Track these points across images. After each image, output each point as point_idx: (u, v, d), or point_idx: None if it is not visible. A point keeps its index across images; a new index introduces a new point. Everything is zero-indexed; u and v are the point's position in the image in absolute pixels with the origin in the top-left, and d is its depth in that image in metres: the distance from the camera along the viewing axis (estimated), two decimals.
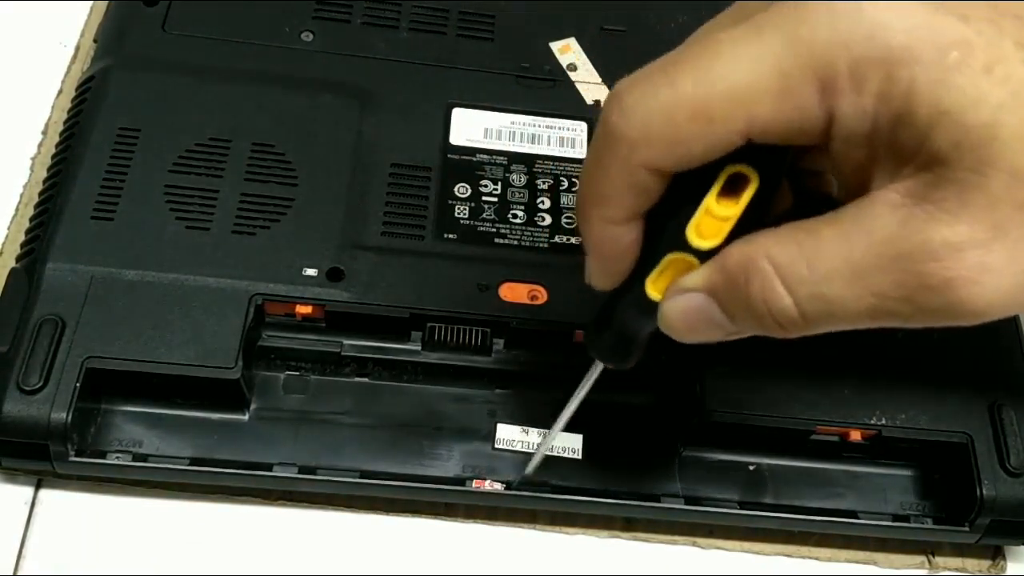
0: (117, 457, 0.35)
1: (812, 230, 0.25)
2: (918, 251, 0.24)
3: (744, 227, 0.26)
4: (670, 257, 0.27)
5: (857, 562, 0.39)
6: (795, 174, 0.29)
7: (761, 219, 0.26)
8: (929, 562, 0.39)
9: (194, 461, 0.35)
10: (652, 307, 0.28)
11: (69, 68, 0.46)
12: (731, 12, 0.26)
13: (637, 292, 0.28)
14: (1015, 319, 0.40)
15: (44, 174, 0.40)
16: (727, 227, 0.26)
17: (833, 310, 0.25)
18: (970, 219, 0.23)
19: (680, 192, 0.26)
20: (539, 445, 0.36)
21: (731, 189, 0.26)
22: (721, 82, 0.24)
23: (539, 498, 0.36)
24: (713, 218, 0.26)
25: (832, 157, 0.25)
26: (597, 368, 0.31)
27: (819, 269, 0.25)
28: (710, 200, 0.26)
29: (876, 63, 0.23)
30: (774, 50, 0.23)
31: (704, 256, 0.27)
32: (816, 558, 0.38)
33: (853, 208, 0.25)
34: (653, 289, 0.28)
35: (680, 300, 0.27)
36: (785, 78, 0.23)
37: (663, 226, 0.27)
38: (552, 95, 0.44)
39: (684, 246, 0.27)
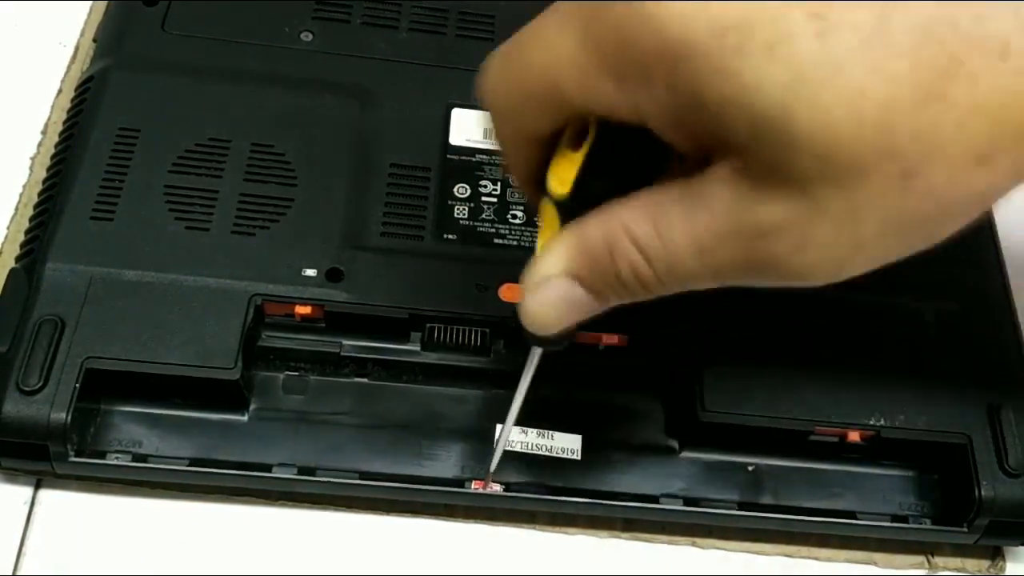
0: (117, 457, 0.35)
1: (663, 203, 0.25)
2: (748, 229, 0.24)
3: (599, 181, 0.26)
4: (544, 203, 0.28)
5: (856, 562, 0.39)
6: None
7: (618, 170, 0.26)
8: (928, 562, 0.39)
9: (194, 461, 0.35)
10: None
11: (68, 68, 0.46)
12: None
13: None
14: (1015, 321, 0.40)
15: (43, 174, 0.40)
16: (577, 165, 0.26)
17: (684, 279, 0.25)
18: (786, 200, 0.23)
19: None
20: (497, 440, 0.36)
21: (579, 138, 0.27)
22: (535, 67, 0.25)
23: (538, 499, 0.36)
24: (566, 162, 0.27)
25: (659, 136, 0.25)
26: (535, 353, 0.31)
27: (669, 245, 0.25)
28: (561, 147, 0.27)
29: (658, 57, 0.22)
30: (572, 38, 0.24)
31: (563, 209, 0.27)
32: (815, 558, 0.38)
33: (696, 183, 0.24)
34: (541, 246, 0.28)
35: (544, 292, 0.27)
36: (581, 70, 0.24)
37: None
38: None
39: (548, 192, 0.27)
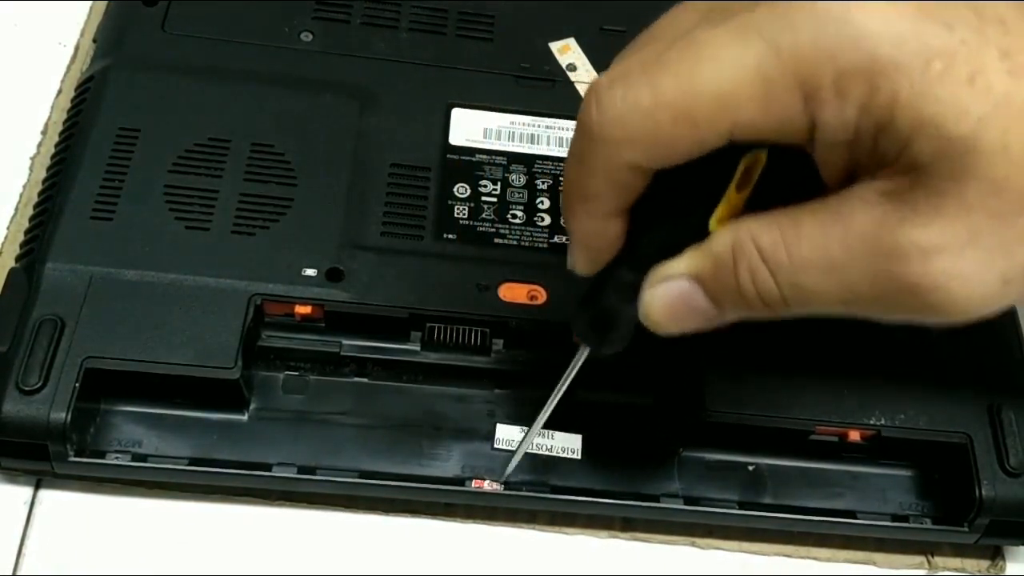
0: (116, 457, 0.35)
1: (794, 217, 0.25)
2: (890, 251, 0.24)
3: (755, 206, 0.26)
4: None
5: (856, 562, 0.39)
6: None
7: (758, 200, 0.26)
8: (928, 562, 0.39)
9: (193, 461, 0.35)
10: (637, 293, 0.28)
11: (68, 68, 0.46)
12: (713, 7, 0.26)
13: (622, 277, 0.28)
14: (1015, 321, 0.40)
15: (43, 174, 0.40)
16: (738, 210, 0.26)
17: (809, 298, 0.25)
18: (942, 225, 0.23)
19: (682, 186, 0.26)
20: (527, 433, 0.36)
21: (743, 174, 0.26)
22: (704, 86, 0.24)
23: (539, 498, 0.36)
24: (730, 204, 0.26)
25: (816, 156, 0.25)
26: (582, 353, 0.31)
27: (797, 257, 0.25)
28: (730, 192, 0.26)
29: (860, 73, 0.23)
30: (757, 55, 0.23)
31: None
32: (815, 558, 0.38)
33: (834, 201, 0.25)
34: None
35: (663, 288, 0.27)
36: (768, 84, 0.23)
37: (676, 221, 0.27)
38: (552, 95, 0.44)
39: (704, 236, 0.27)
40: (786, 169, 0.26)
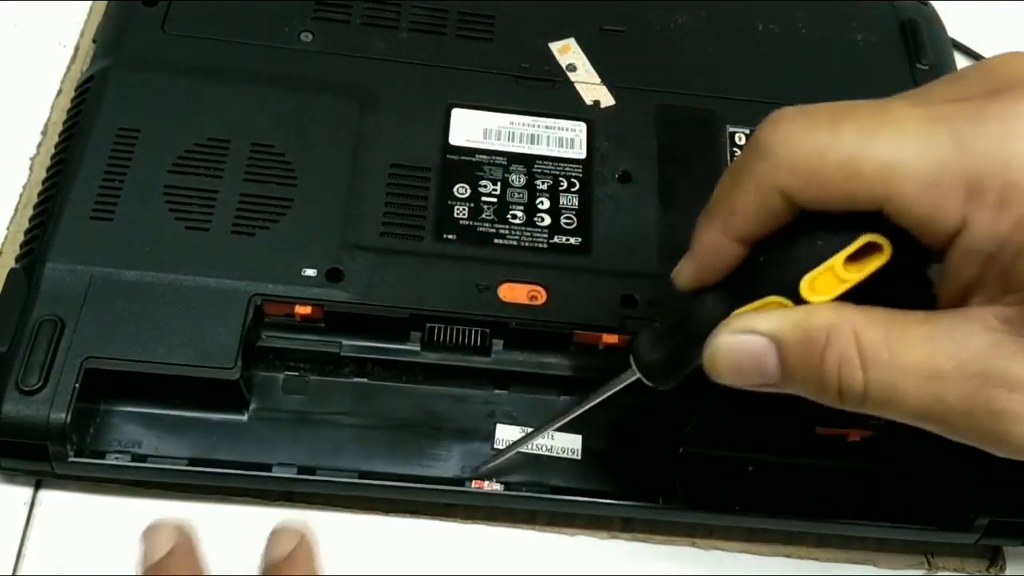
0: (116, 458, 0.35)
1: (902, 322, 0.25)
2: (997, 376, 0.24)
3: (851, 297, 0.26)
4: (769, 299, 0.27)
5: (856, 563, 0.39)
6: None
7: (871, 297, 0.26)
8: (928, 563, 0.39)
9: (193, 462, 0.35)
10: None
11: (68, 68, 0.46)
12: (940, 86, 0.26)
13: (712, 309, 0.28)
14: None
15: (43, 174, 0.40)
16: (842, 290, 0.26)
17: (895, 400, 0.26)
18: None
19: (803, 238, 0.26)
20: (514, 441, 0.36)
21: (858, 255, 0.26)
22: (880, 149, 0.24)
23: (538, 499, 0.36)
24: (834, 277, 0.26)
25: (945, 262, 0.25)
26: (630, 377, 0.31)
27: (898, 359, 0.25)
28: (838, 259, 0.26)
29: None
30: (940, 142, 0.24)
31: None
32: (815, 559, 0.38)
33: (949, 316, 0.25)
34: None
35: (740, 339, 0.27)
36: (939, 172, 0.24)
37: (775, 264, 0.27)
38: (551, 95, 0.44)
39: (791, 293, 0.26)
40: (900, 275, 0.26)
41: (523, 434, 0.37)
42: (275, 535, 0.30)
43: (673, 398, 0.38)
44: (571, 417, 0.34)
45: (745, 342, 0.27)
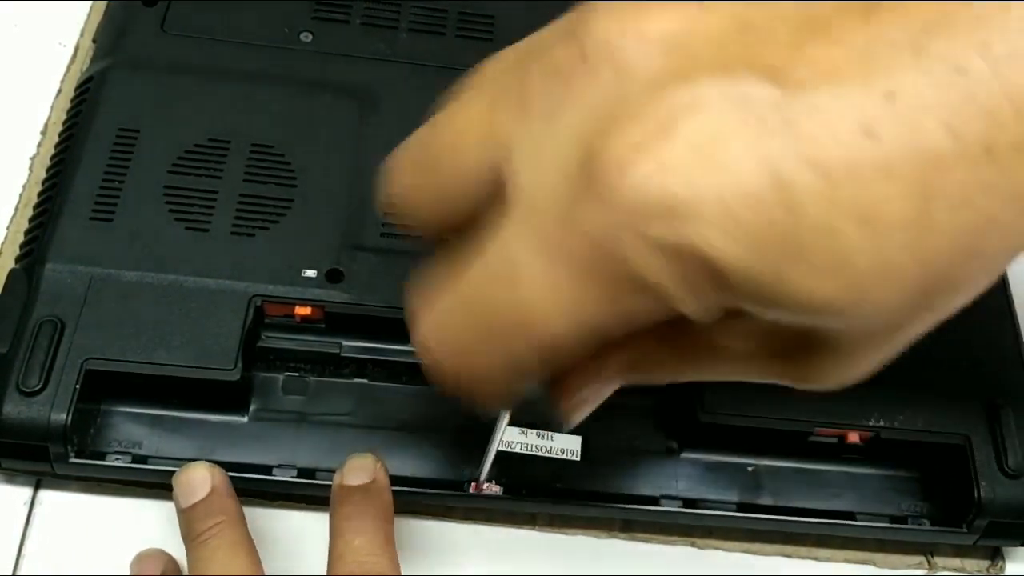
0: (116, 458, 0.35)
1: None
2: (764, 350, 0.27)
3: None
4: None
5: (855, 563, 0.39)
6: None
7: None
8: (928, 563, 0.39)
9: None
10: None
11: (68, 68, 0.46)
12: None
13: None
14: (1014, 321, 0.40)
15: (43, 174, 0.40)
16: None
17: None
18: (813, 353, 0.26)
19: None
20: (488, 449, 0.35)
21: None
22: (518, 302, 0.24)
23: (538, 500, 0.36)
24: None
25: None
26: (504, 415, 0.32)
27: None
28: None
29: (706, 278, 0.22)
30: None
31: None
32: (814, 559, 0.39)
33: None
34: None
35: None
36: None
37: None
38: None
39: None
40: None
41: (522, 434, 0.37)
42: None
43: (673, 399, 0.38)
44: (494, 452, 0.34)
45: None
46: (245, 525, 0.33)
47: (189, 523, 0.33)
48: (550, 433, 0.37)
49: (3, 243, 0.41)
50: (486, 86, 0.25)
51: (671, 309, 0.21)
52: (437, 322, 0.24)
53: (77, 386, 0.34)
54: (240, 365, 0.35)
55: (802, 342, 0.25)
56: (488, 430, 0.34)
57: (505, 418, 0.33)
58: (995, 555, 0.39)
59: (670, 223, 0.20)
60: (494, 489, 0.36)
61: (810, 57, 0.20)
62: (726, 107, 0.20)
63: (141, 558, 0.34)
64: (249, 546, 0.33)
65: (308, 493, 0.36)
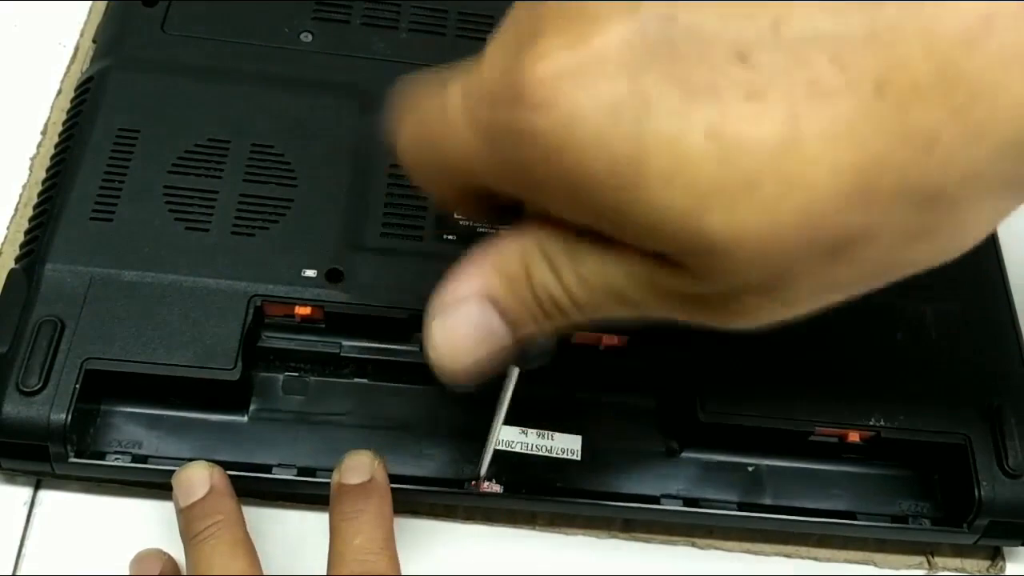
0: (116, 458, 0.35)
1: (578, 243, 0.24)
2: (667, 293, 0.23)
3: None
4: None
5: (855, 562, 0.39)
6: None
7: None
8: (928, 562, 0.39)
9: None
10: None
11: (68, 68, 0.46)
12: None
13: None
14: (1014, 321, 0.40)
15: (43, 174, 0.40)
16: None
17: (602, 309, 0.24)
18: (709, 286, 0.23)
19: None
20: (485, 448, 0.35)
21: None
22: (450, 159, 0.25)
23: (538, 499, 0.36)
24: None
25: None
26: (513, 372, 0.31)
27: (584, 281, 0.24)
28: None
29: (556, 183, 0.22)
30: (480, 149, 0.24)
31: None
32: (815, 558, 0.39)
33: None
34: None
35: (452, 316, 0.25)
36: (493, 178, 0.24)
37: None
38: None
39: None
40: None
41: (522, 434, 0.37)
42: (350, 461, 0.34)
43: (673, 398, 0.38)
44: (498, 428, 0.34)
45: (460, 313, 0.25)
46: (244, 524, 0.33)
47: (187, 522, 0.33)
48: (550, 433, 0.37)
49: (3, 243, 0.41)
50: None
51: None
52: (403, 132, 0.26)
53: (77, 386, 0.34)
54: (240, 365, 0.35)
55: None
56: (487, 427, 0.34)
57: (502, 413, 0.33)
58: (995, 555, 0.39)
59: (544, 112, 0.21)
60: (494, 488, 0.36)
61: None
62: (628, 31, 0.20)
63: (140, 558, 0.34)
64: (248, 545, 0.33)
65: (308, 492, 0.36)
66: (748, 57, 0.20)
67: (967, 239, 0.23)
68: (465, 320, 0.25)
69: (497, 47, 0.22)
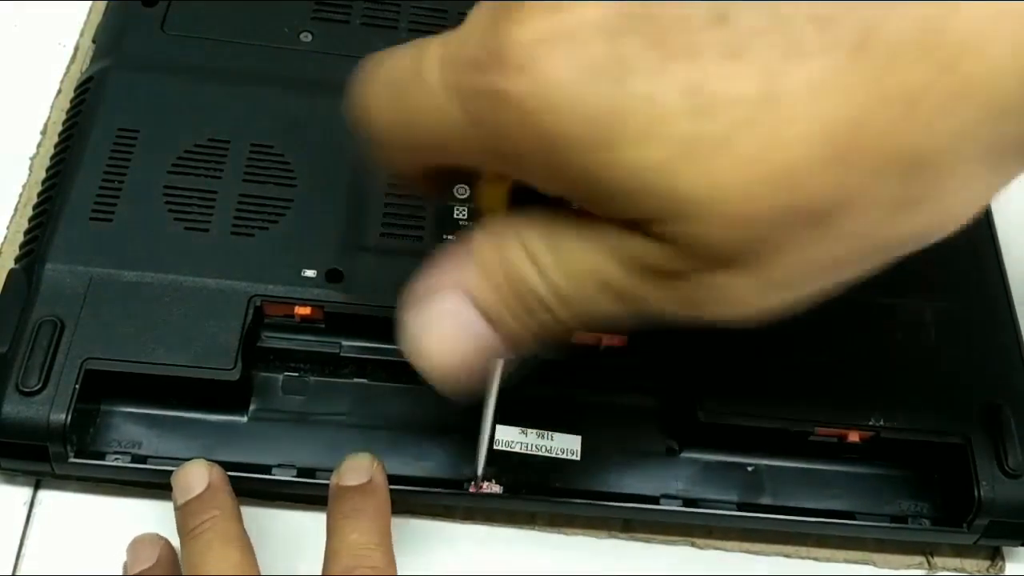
0: (116, 458, 0.35)
1: (559, 229, 0.24)
2: (653, 274, 0.23)
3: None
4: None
5: (855, 562, 0.39)
6: None
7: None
8: (928, 562, 0.39)
9: None
10: None
11: (68, 68, 0.46)
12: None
13: None
14: (1014, 321, 0.40)
15: (43, 175, 0.40)
16: (502, 197, 0.25)
17: (588, 305, 0.24)
18: (689, 260, 0.22)
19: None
20: (479, 446, 0.35)
21: None
22: (423, 126, 0.24)
23: (538, 500, 0.36)
24: (491, 188, 0.26)
25: None
26: (497, 364, 0.31)
27: (570, 270, 0.23)
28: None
29: (531, 148, 0.22)
30: (455, 116, 0.23)
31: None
32: (814, 558, 0.38)
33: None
34: None
35: (426, 308, 0.25)
36: (468, 147, 0.24)
37: None
38: None
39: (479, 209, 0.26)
40: None
41: (522, 434, 0.37)
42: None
43: (673, 398, 0.38)
44: (491, 418, 0.34)
45: (434, 311, 0.25)
46: (240, 521, 0.33)
47: (183, 517, 0.33)
48: (550, 433, 0.37)
49: (3, 243, 0.41)
50: None
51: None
52: (372, 98, 0.25)
53: (76, 386, 0.34)
54: (240, 365, 0.35)
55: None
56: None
57: (491, 406, 0.33)
58: (995, 555, 0.39)
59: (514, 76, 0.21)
60: (494, 489, 0.36)
61: None
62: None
63: (136, 544, 0.34)
64: (243, 541, 0.33)
65: (307, 493, 0.36)
66: (727, 18, 0.20)
67: (955, 213, 0.22)
68: (438, 311, 0.25)
69: (478, 14, 0.22)
